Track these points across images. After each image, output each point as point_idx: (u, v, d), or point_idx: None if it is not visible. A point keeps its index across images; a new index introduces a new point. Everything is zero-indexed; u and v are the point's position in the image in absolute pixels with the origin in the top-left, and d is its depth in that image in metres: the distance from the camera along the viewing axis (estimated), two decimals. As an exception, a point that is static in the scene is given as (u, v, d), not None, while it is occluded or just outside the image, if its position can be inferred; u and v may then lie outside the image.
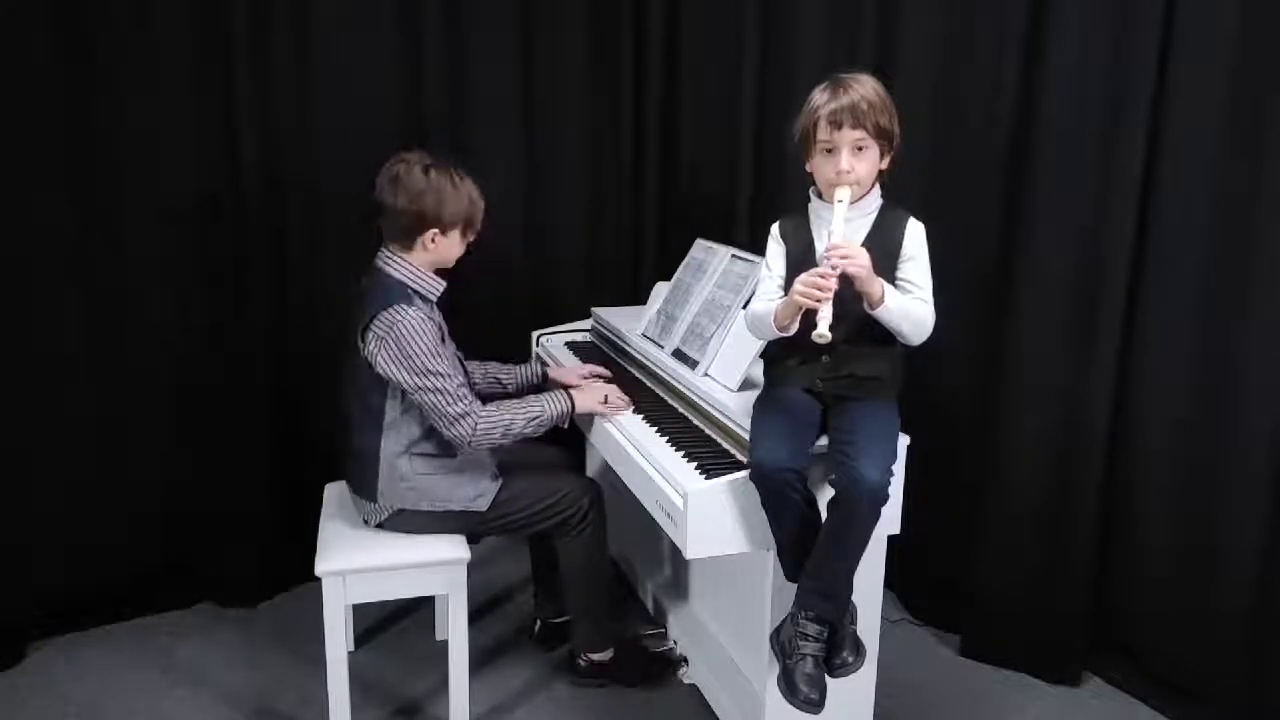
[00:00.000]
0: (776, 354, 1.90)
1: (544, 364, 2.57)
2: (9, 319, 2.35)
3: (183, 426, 2.61)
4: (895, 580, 2.33)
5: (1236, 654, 2.15)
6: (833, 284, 1.63)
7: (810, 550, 1.72)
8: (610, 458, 2.17)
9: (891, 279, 1.76)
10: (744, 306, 2.04)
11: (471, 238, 2.17)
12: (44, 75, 2.31)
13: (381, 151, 2.13)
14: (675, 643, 2.49)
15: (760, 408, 1.86)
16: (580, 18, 3.01)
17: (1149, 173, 2.16)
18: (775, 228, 1.89)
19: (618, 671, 2.37)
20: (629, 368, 2.58)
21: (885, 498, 1.64)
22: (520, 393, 2.39)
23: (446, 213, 2.07)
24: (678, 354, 2.34)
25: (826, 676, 1.75)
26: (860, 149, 1.74)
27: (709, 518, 1.76)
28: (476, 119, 2.91)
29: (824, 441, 1.78)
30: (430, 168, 2.06)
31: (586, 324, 2.99)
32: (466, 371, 2.25)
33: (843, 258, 1.64)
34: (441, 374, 2.01)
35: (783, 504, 1.71)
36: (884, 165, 1.80)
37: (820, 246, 1.78)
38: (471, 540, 2.17)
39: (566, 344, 2.89)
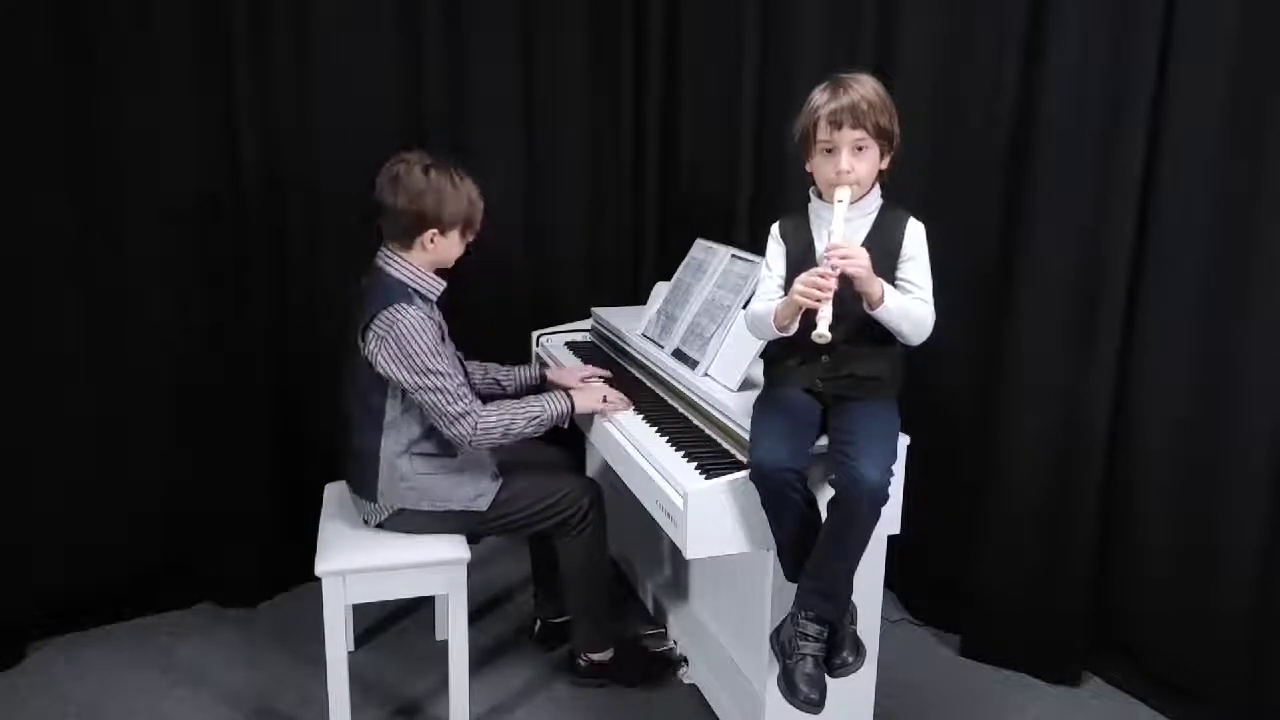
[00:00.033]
0: (776, 354, 1.90)
1: (543, 365, 2.57)
2: (9, 319, 2.35)
3: (183, 426, 2.61)
4: (895, 580, 2.33)
5: (1236, 654, 2.15)
6: (832, 284, 1.63)
7: (810, 550, 1.72)
8: (610, 458, 2.17)
9: (891, 279, 1.76)
10: (744, 306, 2.04)
11: (471, 238, 2.17)
12: (44, 75, 2.31)
13: (381, 151, 2.13)
14: (675, 643, 2.49)
15: (760, 408, 1.86)
16: (580, 18, 3.01)
17: (1149, 173, 2.16)
18: (775, 228, 1.89)
19: (618, 671, 2.37)
20: (629, 368, 2.58)
21: (885, 498, 1.64)
22: (519, 395, 2.38)
23: (446, 213, 2.07)
24: (678, 354, 2.34)
25: (826, 676, 1.75)
26: (860, 149, 1.74)
27: (709, 518, 1.76)
28: (476, 119, 2.91)
29: (824, 441, 1.78)
30: (430, 168, 2.06)
31: (586, 324, 2.99)
32: (466, 372, 2.25)
33: (842, 258, 1.64)
34: (441, 373, 2.01)
35: (783, 504, 1.71)
36: (884, 165, 1.80)
37: (820, 246, 1.78)
38: (471, 540, 2.17)
39: (566, 344, 2.89)
